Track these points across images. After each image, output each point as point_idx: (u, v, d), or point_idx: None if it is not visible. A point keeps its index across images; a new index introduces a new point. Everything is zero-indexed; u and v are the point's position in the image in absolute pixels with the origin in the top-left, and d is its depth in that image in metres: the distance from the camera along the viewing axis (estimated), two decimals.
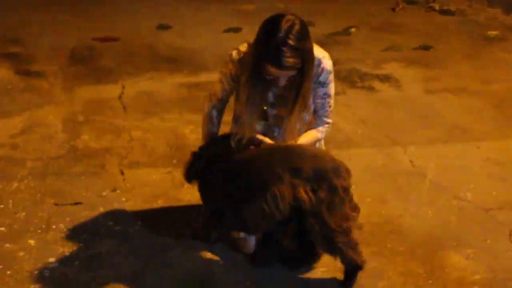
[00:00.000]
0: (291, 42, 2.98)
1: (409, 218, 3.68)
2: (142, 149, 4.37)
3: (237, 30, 6.78)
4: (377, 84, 5.57)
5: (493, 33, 7.01)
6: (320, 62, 3.22)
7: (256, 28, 3.11)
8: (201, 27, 7.00)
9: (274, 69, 3.03)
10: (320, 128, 3.38)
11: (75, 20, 7.11)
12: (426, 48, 6.51)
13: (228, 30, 6.79)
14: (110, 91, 5.26)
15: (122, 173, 4.07)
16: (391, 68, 5.92)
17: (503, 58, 6.32)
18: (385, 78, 5.69)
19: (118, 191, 3.86)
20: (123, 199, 3.79)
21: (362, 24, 7.19)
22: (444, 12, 7.85)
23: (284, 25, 3.00)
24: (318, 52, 3.23)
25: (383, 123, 4.85)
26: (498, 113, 5.05)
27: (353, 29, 6.99)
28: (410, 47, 6.51)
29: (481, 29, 7.18)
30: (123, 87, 5.34)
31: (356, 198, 3.79)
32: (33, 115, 4.80)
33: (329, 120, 3.38)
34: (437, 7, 8.01)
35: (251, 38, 3.13)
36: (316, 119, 3.35)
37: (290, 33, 2.98)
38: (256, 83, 3.12)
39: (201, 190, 3.28)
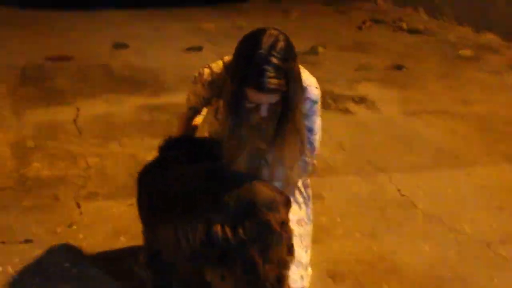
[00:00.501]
0: (274, 59, 2.47)
1: (405, 255, 3.29)
2: (101, 178, 3.91)
3: (199, 48, 6.37)
4: (352, 106, 5.22)
5: (465, 52, 6.74)
6: (304, 90, 2.71)
7: (218, 47, 2.68)
8: (160, 46, 6.60)
9: (255, 92, 2.51)
10: (302, 172, 2.88)
11: (25, 38, 6.66)
12: (398, 67, 6.20)
13: (190, 49, 6.38)
14: (63, 114, 4.80)
15: (79, 206, 3.60)
16: (365, 89, 5.58)
17: (479, 77, 6.03)
18: (360, 100, 5.34)
19: (75, 227, 3.39)
20: (81, 236, 3.32)
21: (329, 43, 6.87)
22: (412, 31, 7.58)
23: (267, 41, 2.50)
24: (304, 77, 2.73)
25: (363, 148, 4.48)
26: (484, 136, 4.72)
27: (320, 48, 6.66)
28: (381, 67, 6.20)
29: (453, 49, 6.91)
30: (78, 109, 4.88)
31: (343, 233, 3.43)
32: None
33: (308, 160, 2.87)
34: (404, 26, 7.74)
35: (213, 57, 2.62)
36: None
37: (273, 49, 2.48)
38: (235, 114, 2.64)
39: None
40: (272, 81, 2.48)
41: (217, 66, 2.76)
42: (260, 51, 2.47)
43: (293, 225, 2.80)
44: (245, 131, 2.66)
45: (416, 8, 8.28)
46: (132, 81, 5.53)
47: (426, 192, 3.90)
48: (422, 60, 6.47)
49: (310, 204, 2.99)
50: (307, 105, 2.76)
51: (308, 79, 2.77)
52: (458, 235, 3.47)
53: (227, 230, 2.43)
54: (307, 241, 2.90)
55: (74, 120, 4.70)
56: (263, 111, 2.62)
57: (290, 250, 2.53)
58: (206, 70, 2.78)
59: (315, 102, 2.79)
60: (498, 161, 4.34)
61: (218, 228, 2.44)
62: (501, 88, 5.74)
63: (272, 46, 2.50)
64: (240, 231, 2.42)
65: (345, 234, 3.45)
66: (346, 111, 5.12)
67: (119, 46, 6.48)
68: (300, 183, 2.94)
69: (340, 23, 7.77)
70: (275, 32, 2.55)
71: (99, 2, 7.95)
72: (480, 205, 3.78)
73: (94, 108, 4.93)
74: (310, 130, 2.82)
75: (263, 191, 2.49)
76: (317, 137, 2.88)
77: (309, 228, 2.94)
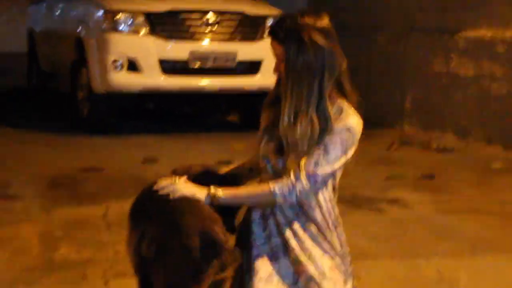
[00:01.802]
0: (292, 19, 2.67)
1: None
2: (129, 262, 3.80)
3: (228, 162, 6.38)
4: (385, 206, 5.13)
5: (497, 165, 6.68)
6: (345, 114, 2.67)
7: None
8: (192, 161, 6.60)
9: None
10: (280, 183, 2.68)
11: (56, 152, 6.74)
12: (430, 177, 6.13)
13: (219, 163, 6.40)
14: (93, 211, 4.76)
15: (106, 283, 3.49)
16: (397, 193, 5.50)
17: None
18: (393, 201, 5.26)
19: None
20: None
21: (359, 159, 6.83)
22: (441, 150, 7.56)
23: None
24: (352, 110, 2.72)
25: (398, 238, 4.37)
26: None
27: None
28: (412, 177, 6.13)
29: (484, 163, 6.85)
30: (107, 208, 4.84)
31: None
32: (5, 232, 4.26)
33: (302, 178, 2.65)
34: (434, 145, 7.73)
35: None
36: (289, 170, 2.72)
37: (307, 14, 2.68)
38: None
39: None
40: (275, 28, 2.70)
41: None
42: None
43: (327, 271, 2.71)
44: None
45: (444, 130, 8.30)
46: None
47: (468, 274, 3.75)
48: (453, 172, 6.42)
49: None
50: (339, 126, 2.68)
51: (353, 112, 2.73)
52: None
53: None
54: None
55: (103, 216, 4.65)
56: (275, 67, 2.74)
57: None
58: None
59: (348, 129, 2.69)
60: None
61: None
62: None
63: (302, 12, 2.69)
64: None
65: None
66: (379, 210, 5.04)
67: (149, 160, 6.52)
68: (324, 227, 2.83)
69: (368, 144, 7.79)
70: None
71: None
72: None
73: (124, 206, 4.85)
74: (326, 151, 2.67)
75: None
76: (325, 170, 2.69)
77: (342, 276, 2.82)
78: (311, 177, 2.69)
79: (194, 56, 7.83)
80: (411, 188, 5.70)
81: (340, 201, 5.06)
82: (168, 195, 2.63)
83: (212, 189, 2.71)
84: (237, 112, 9.09)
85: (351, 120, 2.72)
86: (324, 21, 2.73)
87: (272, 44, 2.74)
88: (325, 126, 2.70)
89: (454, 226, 4.65)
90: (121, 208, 4.77)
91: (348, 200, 5.22)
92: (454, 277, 3.67)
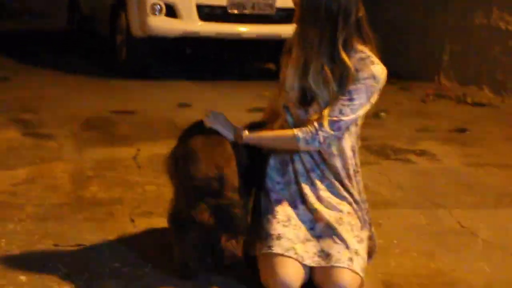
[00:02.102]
0: None
1: (464, 273, 3.16)
2: (156, 200, 3.90)
3: (260, 109, 6.42)
4: (413, 157, 5.14)
5: None
6: (369, 61, 2.74)
7: None
8: (223, 107, 6.65)
9: None
10: (304, 129, 2.78)
11: (91, 95, 6.84)
12: (461, 130, 6.11)
13: (252, 110, 6.45)
14: (124, 152, 4.85)
15: (133, 221, 3.60)
16: (427, 145, 5.50)
17: None
18: (421, 153, 5.26)
19: (127, 236, 3.38)
20: (132, 244, 3.30)
21: (392, 110, 6.84)
22: (476, 104, 7.51)
23: None
24: (376, 59, 2.79)
25: (423, 189, 4.39)
26: None
27: (383, 114, 6.63)
28: (444, 129, 6.12)
29: None
30: (138, 150, 4.93)
31: (400, 252, 3.33)
32: (38, 168, 4.38)
33: (326, 127, 2.75)
34: (469, 100, 7.68)
35: None
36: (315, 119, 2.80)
37: None
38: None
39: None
40: None
41: None
42: None
43: (344, 216, 2.77)
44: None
45: (480, 86, 8.23)
46: None
47: (488, 225, 3.77)
48: (485, 126, 6.38)
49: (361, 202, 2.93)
50: (364, 74, 2.74)
51: (376, 58, 2.77)
52: None
53: None
54: (358, 232, 2.82)
55: (134, 157, 4.74)
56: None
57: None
58: None
59: (373, 76, 2.75)
60: None
61: None
62: None
63: None
64: None
65: (402, 253, 3.35)
66: (407, 160, 5.05)
67: (183, 105, 6.59)
68: (344, 175, 2.88)
69: (404, 97, 7.77)
70: None
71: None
72: None
73: (154, 148, 4.96)
74: (350, 99, 2.74)
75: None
76: (349, 117, 2.77)
77: (360, 222, 2.87)
78: (335, 123, 2.75)
79: (233, 2, 7.82)
80: (441, 140, 5.70)
81: (369, 151, 5.15)
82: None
83: (238, 129, 2.82)
84: (274, 60, 9.09)
85: (375, 68, 2.76)
86: None
87: None
88: (343, 75, 2.73)
89: (480, 179, 4.66)
90: (152, 150, 4.90)
91: (377, 150, 5.26)
92: (474, 228, 3.70)
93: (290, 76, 2.85)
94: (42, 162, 4.51)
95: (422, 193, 4.28)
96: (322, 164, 2.88)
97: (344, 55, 2.73)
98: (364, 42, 2.80)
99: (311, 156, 2.87)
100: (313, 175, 2.86)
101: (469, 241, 3.54)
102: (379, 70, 2.77)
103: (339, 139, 2.84)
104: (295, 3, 2.80)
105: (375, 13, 9.98)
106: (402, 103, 7.35)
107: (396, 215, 3.87)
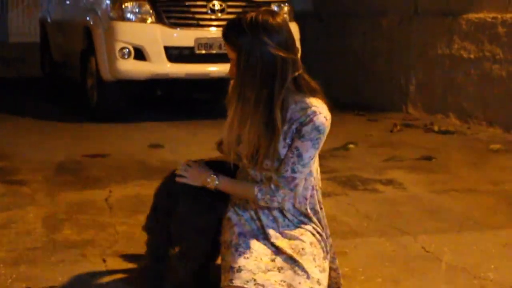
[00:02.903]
0: (244, 19, 2.78)
1: None
2: (128, 241, 3.98)
3: None
4: (380, 187, 5.26)
5: (495, 146, 6.78)
6: (313, 113, 2.79)
7: None
8: (195, 147, 6.76)
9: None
10: (263, 190, 2.89)
11: (64, 139, 6.93)
12: (428, 158, 6.25)
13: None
14: (96, 195, 4.94)
15: (104, 261, 3.67)
16: (394, 174, 5.63)
17: (510, 165, 6.04)
18: (388, 182, 5.39)
19: (99, 276, 3.45)
20: (104, 282, 3.37)
21: (360, 142, 6.98)
22: (443, 132, 7.67)
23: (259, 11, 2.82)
24: (315, 102, 2.84)
25: (389, 217, 4.50)
26: None
27: (351, 145, 6.77)
28: (411, 158, 6.26)
29: (483, 144, 6.96)
30: (110, 191, 5.01)
31: (365, 278, 3.42)
32: (10, 214, 4.45)
33: (282, 189, 2.86)
34: (436, 128, 7.84)
35: None
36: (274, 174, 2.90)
37: (256, 16, 2.77)
38: None
39: None
40: (224, 29, 2.83)
41: None
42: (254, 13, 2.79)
43: (306, 246, 2.86)
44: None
45: (447, 114, 8.40)
46: (166, 171, 5.66)
47: (451, 249, 3.88)
48: (451, 153, 6.53)
49: (324, 232, 3.03)
50: (308, 128, 2.81)
51: (319, 106, 2.85)
52: (481, 281, 3.44)
53: None
54: (320, 262, 2.91)
55: (106, 199, 4.82)
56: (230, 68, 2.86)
57: None
58: None
59: (317, 129, 2.81)
60: None
61: None
62: None
63: (257, 15, 2.78)
64: None
65: (367, 280, 3.45)
66: (374, 190, 5.17)
67: (155, 146, 6.68)
68: (306, 208, 2.99)
69: (372, 128, 7.92)
70: (272, 11, 2.88)
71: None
72: (505, 258, 3.75)
73: (126, 190, 5.06)
74: (299, 155, 2.83)
75: None
76: (303, 172, 2.86)
77: (322, 252, 2.96)
78: (290, 182, 2.86)
79: (200, 42, 7.98)
80: (408, 169, 5.83)
81: (336, 182, 5.25)
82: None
83: (211, 178, 2.95)
84: None
85: (318, 120, 2.81)
86: (278, 20, 2.79)
87: (226, 46, 2.83)
88: (277, 133, 2.81)
89: (445, 205, 4.78)
90: (124, 191, 4.99)
91: (344, 181, 5.37)
92: (438, 253, 3.81)
93: (228, 127, 2.90)
94: (15, 208, 4.58)
95: (388, 221, 4.40)
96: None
97: (278, 117, 2.80)
98: (305, 94, 2.86)
99: None
100: (274, 212, 2.96)
101: (433, 265, 3.65)
102: (322, 120, 2.81)
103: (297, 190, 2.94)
104: (231, 58, 2.84)
105: (340, 44, 10.23)
106: (370, 135, 7.49)
107: (362, 243, 3.97)
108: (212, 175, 2.98)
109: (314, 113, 2.82)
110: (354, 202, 4.83)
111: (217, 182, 2.97)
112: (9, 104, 9.21)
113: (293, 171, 2.85)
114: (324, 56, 10.38)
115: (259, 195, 2.89)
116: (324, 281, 2.85)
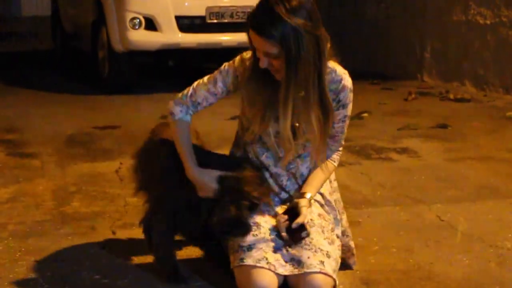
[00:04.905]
0: (278, 8, 2.54)
1: (442, 265, 3.19)
2: (138, 212, 3.91)
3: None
4: (394, 155, 5.18)
5: None
6: (341, 78, 2.79)
7: None
8: (206, 119, 6.69)
9: (252, 34, 2.60)
10: (335, 157, 2.99)
11: (75, 111, 6.88)
12: (443, 126, 6.16)
13: (234, 118, 6.48)
14: (106, 167, 4.88)
15: (114, 233, 3.62)
16: (408, 143, 5.55)
17: None
18: (403, 151, 5.31)
19: (108, 249, 3.40)
20: (113, 255, 3.32)
21: (374, 111, 6.89)
22: (459, 100, 7.56)
23: None
24: (339, 67, 2.83)
25: (403, 186, 4.42)
26: None
27: (365, 114, 6.68)
28: (426, 126, 6.16)
29: (499, 111, 6.85)
30: (121, 163, 4.95)
31: (379, 248, 3.36)
32: (21, 187, 4.41)
33: (341, 147, 3.03)
34: (451, 96, 7.73)
35: None
36: (331, 145, 2.93)
37: (286, 1, 2.56)
38: (252, 75, 2.73)
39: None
40: (265, 25, 2.54)
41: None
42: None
43: (314, 217, 2.80)
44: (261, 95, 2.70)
45: (462, 81, 8.29)
46: None
47: (467, 217, 3.81)
48: (467, 121, 6.43)
49: (337, 211, 2.98)
50: (345, 94, 2.82)
51: (336, 68, 2.81)
52: (498, 250, 3.37)
53: None
54: (329, 234, 2.84)
55: (116, 171, 4.76)
56: (263, 62, 2.64)
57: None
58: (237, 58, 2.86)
59: (351, 90, 2.85)
60: None
61: None
62: None
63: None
64: None
65: (381, 249, 3.38)
66: (388, 159, 5.09)
67: (166, 117, 6.59)
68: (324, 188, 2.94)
69: (387, 97, 7.81)
70: None
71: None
72: None
73: None
74: (348, 119, 2.90)
75: None
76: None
77: (331, 224, 2.90)
78: (342, 143, 2.99)
79: (211, 11, 7.87)
80: (423, 137, 5.75)
81: (350, 151, 5.18)
82: None
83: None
84: None
85: (347, 82, 2.84)
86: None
87: (258, 40, 2.60)
88: (331, 110, 2.77)
89: (460, 173, 4.69)
90: None
91: (358, 150, 5.30)
92: (453, 222, 3.73)
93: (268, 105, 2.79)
94: (25, 181, 4.53)
95: (402, 190, 4.32)
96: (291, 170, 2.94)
97: (329, 95, 2.75)
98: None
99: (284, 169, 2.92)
100: (283, 180, 2.92)
101: (448, 234, 3.58)
102: (349, 80, 2.84)
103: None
104: (266, 53, 2.63)
105: (356, 14, 10.09)
106: (385, 103, 7.39)
107: (376, 213, 3.90)
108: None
109: (339, 76, 2.81)
110: (368, 171, 4.76)
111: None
112: (21, 78, 9.17)
113: (342, 132, 2.94)
114: (337, 25, 10.24)
115: (336, 163, 2.97)
116: (334, 253, 2.78)
